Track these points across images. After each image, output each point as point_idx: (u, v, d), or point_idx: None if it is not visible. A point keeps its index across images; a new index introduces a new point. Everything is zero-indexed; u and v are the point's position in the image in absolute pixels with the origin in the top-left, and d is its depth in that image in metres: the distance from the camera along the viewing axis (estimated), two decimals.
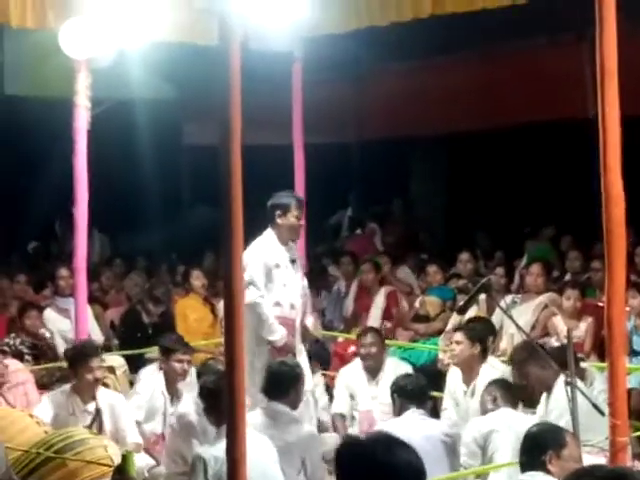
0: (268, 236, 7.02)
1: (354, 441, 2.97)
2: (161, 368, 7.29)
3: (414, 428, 5.73)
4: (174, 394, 7.09)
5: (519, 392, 6.73)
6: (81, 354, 6.70)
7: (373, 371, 7.46)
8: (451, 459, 5.86)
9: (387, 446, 2.89)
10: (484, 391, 6.23)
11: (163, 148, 13.32)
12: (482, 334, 7.18)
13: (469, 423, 6.11)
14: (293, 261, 7.06)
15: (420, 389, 6.11)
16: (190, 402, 6.45)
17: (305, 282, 7.27)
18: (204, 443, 6.08)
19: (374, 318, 9.37)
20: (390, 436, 3.00)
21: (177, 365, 7.03)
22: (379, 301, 9.46)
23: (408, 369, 7.56)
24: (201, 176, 11.58)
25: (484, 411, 6.11)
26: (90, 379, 6.58)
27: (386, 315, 9.50)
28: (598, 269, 8.58)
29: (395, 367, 7.48)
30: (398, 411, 6.09)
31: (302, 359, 6.97)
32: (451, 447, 5.87)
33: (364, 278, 9.86)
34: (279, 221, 6.98)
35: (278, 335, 6.85)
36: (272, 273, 6.90)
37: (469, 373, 6.87)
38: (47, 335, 8.50)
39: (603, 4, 4.37)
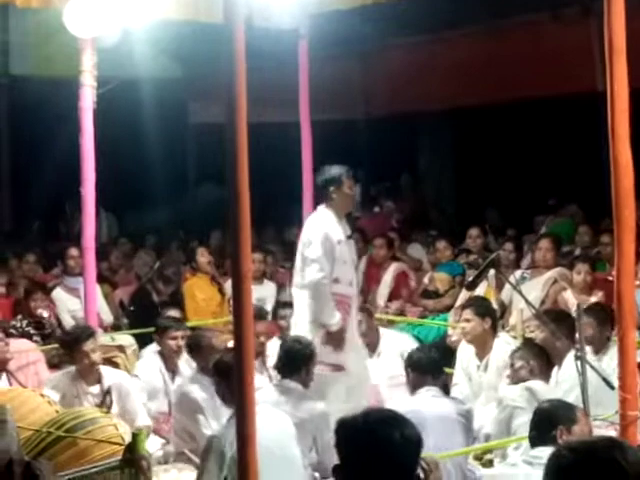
0: (325, 213, 6.86)
1: (351, 418, 2.98)
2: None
3: (428, 408, 5.74)
4: (174, 371, 7.13)
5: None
6: (73, 340, 6.68)
7: (371, 346, 7.47)
8: (465, 437, 5.86)
9: (384, 422, 2.91)
10: (516, 356, 6.20)
11: (169, 127, 13.31)
12: (490, 308, 7.20)
13: (504, 389, 6.10)
14: (349, 237, 6.98)
15: (434, 363, 6.10)
16: (191, 378, 6.49)
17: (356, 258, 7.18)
18: (213, 420, 6.11)
19: (381, 295, 9.37)
20: (387, 412, 3.03)
21: (171, 342, 7.07)
22: (387, 279, 9.45)
23: (406, 338, 7.61)
24: (207, 154, 11.60)
25: (515, 378, 6.10)
26: (87, 363, 6.58)
27: (393, 295, 9.50)
28: (607, 243, 8.56)
29: (393, 338, 7.60)
30: (412, 385, 6.08)
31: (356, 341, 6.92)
32: (465, 426, 5.87)
33: (375, 253, 9.85)
34: (334, 196, 6.82)
35: (335, 319, 6.68)
36: (335, 250, 6.75)
37: (482, 348, 6.88)
38: (45, 314, 8.47)
39: None
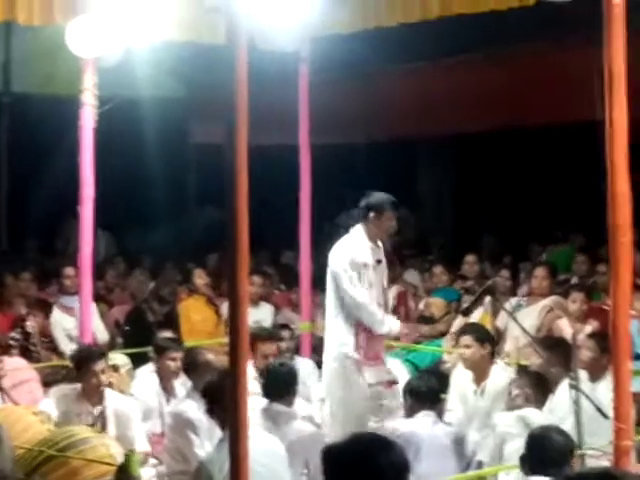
0: (357, 234, 6.98)
1: (338, 443, 2.99)
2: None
3: (424, 431, 5.76)
4: (170, 392, 7.08)
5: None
6: (85, 358, 6.65)
7: None
8: (458, 463, 5.86)
9: (370, 446, 2.91)
10: (514, 385, 6.21)
11: (169, 146, 13.32)
12: (489, 335, 7.20)
13: (498, 416, 6.10)
14: (379, 261, 7.01)
15: (433, 391, 6.12)
16: (188, 399, 6.46)
17: (386, 283, 7.18)
18: (207, 441, 6.09)
19: None
20: (374, 436, 3.03)
21: (170, 363, 7.02)
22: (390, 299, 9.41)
23: (396, 364, 7.61)
24: (207, 175, 11.59)
25: (511, 407, 6.09)
26: (94, 383, 6.54)
27: (394, 314, 9.48)
28: (604, 272, 8.56)
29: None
30: (409, 411, 6.10)
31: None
32: (459, 451, 5.89)
33: None
34: (373, 221, 6.95)
35: (385, 327, 6.83)
36: (360, 272, 6.85)
37: (480, 374, 6.88)
38: (30, 330, 8.45)
39: (611, 7, 4.36)
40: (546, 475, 4.49)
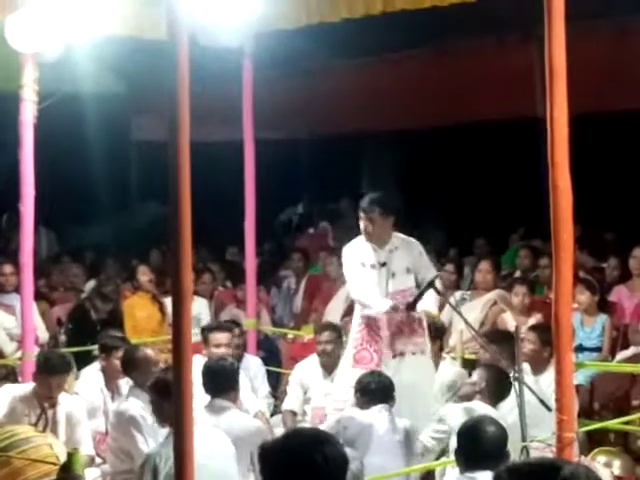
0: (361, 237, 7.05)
1: (272, 441, 2.97)
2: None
3: (378, 424, 5.79)
4: (115, 391, 7.02)
5: None
6: (48, 368, 6.46)
7: (329, 367, 7.45)
8: (409, 455, 5.91)
9: (305, 443, 2.89)
10: (465, 378, 6.26)
11: (111, 142, 13.20)
12: (439, 330, 7.25)
13: (445, 409, 6.13)
14: (382, 264, 6.94)
15: (383, 388, 6.13)
16: (131, 396, 6.40)
17: (399, 286, 6.99)
18: (150, 438, 6.05)
19: (335, 311, 9.25)
20: (309, 432, 3.01)
21: (117, 362, 6.92)
22: (342, 295, 9.40)
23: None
24: (149, 171, 11.52)
25: (463, 396, 6.12)
26: (49, 393, 6.43)
27: (349, 310, 9.47)
28: (545, 266, 8.66)
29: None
30: (360, 409, 6.12)
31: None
32: (409, 444, 5.92)
33: (329, 270, 9.84)
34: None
35: (383, 305, 6.75)
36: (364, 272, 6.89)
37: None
38: None
39: (552, 3, 4.40)
40: (484, 469, 4.37)
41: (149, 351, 6.75)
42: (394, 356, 6.79)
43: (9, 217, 12.74)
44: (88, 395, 6.98)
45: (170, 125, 3.98)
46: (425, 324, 6.90)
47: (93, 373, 7.25)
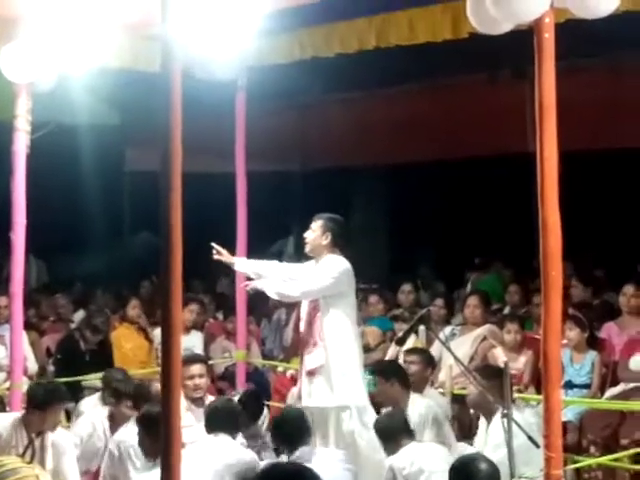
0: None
1: (258, 472, 2.95)
2: (105, 402, 7.22)
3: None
4: None
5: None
6: (44, 401, 6.37)
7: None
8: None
9: (291, 477, 2.87)
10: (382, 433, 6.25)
11: (104, 173, 13.23)
12: (427, 360, 7.28)
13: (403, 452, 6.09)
14: None
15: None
16: (132, 429, 6.38)
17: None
18: (145, 471, 6.03)
19: None
20: (293, 467, 2.99)
21: (128, 412, 6.86)
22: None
23: None
24: (142, 202, 11.54)
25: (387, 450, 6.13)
26: (40, 427, 6.36)
27: None
28: (538, 304, 8.65)
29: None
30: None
31: None
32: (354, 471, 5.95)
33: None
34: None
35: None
36: None
37: (418, 391, 6.97)
38: None
39: (542, 41, 4.45)
40: None
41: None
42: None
43: (0, 246, 12.73)
44: (87, 436, 6.92)
45: (163, 156, 4.00)
46: None
47: (97, 409, 7.18)
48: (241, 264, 7.47)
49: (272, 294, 7.00)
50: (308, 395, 6.81)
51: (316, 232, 7.08)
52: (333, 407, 6.74)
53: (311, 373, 6.83)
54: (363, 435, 6.68)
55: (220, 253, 7.34)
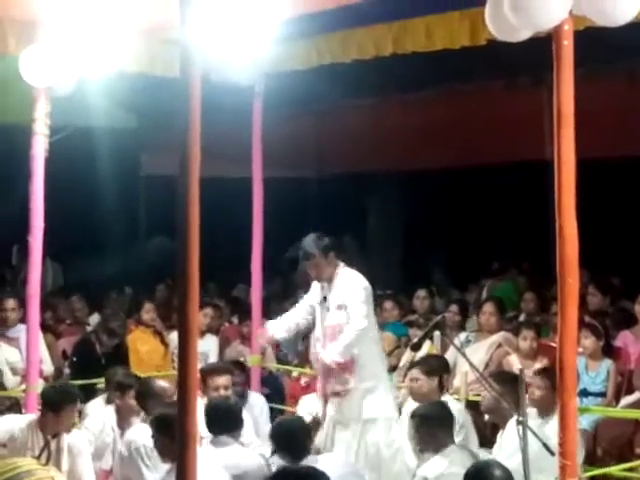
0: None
1: (268, 476, 2.94)
2: (109, 402, 7.24)
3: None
4: (126, 429, 6.99)
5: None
6: (57, 402, 6.45)
7: None
8: None
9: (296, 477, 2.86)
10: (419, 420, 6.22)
11: (121, 177, 13.27)
12: (437, 368, 7.24)
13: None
14: (324, 299, 7.10)
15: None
16: (142, 428, 6.40)
17: (330, 321, 7.09)
18: (154, 472, 6.04)
19: None
20: (302, 471, 2.98)
21: (134, 403, 6.91)
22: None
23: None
24: (158, 207, 11.56)
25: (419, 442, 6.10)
26: (56, 429, 6.41)
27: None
28: (555, 312, 8.63)
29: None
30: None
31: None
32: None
33: None
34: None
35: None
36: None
37: None
38: None
39: (561, 48, 4.44)
40: None
41: (164, 383, 6.75)
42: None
43: (19, 249, 12.79)
44: (98, 432, 6.96)
45: (181, 161, 4.01)
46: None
47: (103, 409, 7.21)
48: (277, 331, 7.35)
49: (340, 358, 6.89)
50: (335, 412, 6.91)
51: (319, 264, 7.04)
52: (361, 420, 6.85)
53: (337, 394, 6.93)
54: (388, 445, 6.74)
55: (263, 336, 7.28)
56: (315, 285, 7.24)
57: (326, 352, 6.92)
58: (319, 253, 7.03)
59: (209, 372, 7.24)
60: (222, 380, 7.12)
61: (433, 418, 6.08)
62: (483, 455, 6.43)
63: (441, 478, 5.78)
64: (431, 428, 6.01)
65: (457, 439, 6.61)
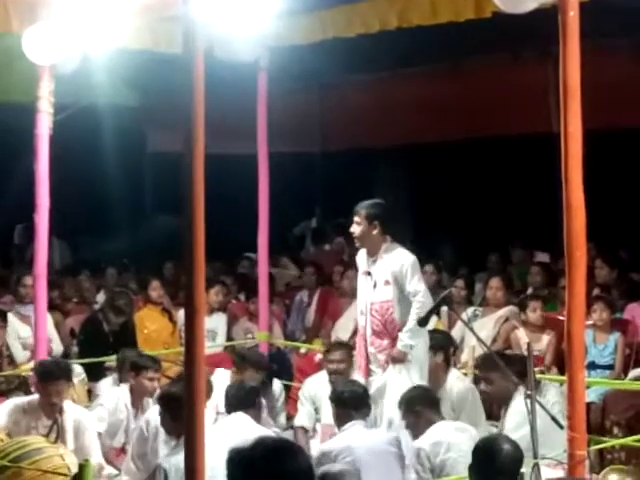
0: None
1: (241, 448, 2.92)
2: (121, 380, 7.26)
3: (357, 442, 5.74)
4: (139, 409, 7.04)
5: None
6: (44, 373, 6.55)
7: None
8: (400, 465, 5.87)
9: (275, 454, 2.85)
10: (404, 404, 6.22)
11: (126, 155, 13.25)
12: (442, 343, 7.23)
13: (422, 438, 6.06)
14: (367, 273, 7.01)
15: (356, 397, 6.11)
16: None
17: (377, 297, 6.97)
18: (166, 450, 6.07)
19: (344, 328, 9.22)
20: (281, 443, 2.96)
21: (148, 383, 6.95)
22: (352, 313, 9.38)
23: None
24: (164, 184, 11.55)
25: (409, 425, 6.11)
26: (46, 400, 6.47)
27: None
28: (564, 286, 8.61)
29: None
30: (337, 419, 6.11)
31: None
32: (397, 454, 5.88)
33: (340, 284, 9.87)
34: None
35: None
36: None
37: (435, 382, 6.90)
38: None
39: (566, 20, 4.41)
40: None
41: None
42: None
43: (24, 228, 12.80)
44: (113, 409, 6.99)
45: (185, 137, 4.00)
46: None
47: (121, 387, 7.24)
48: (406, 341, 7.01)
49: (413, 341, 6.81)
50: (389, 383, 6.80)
51: (362, 225, 6.98)
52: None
53: (395, 361, 6.83)
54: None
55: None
56: (361, 255, 7.11)
57: (400, 343, 6.78)
58: (365, 215, 6.99)
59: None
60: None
61: (417, 400, 6.11)
62: (484, 429, 6.43)
63: (436, 446, 5.80)
64: (418, 409, 6.06)
65: (455, 415, 6.63)
